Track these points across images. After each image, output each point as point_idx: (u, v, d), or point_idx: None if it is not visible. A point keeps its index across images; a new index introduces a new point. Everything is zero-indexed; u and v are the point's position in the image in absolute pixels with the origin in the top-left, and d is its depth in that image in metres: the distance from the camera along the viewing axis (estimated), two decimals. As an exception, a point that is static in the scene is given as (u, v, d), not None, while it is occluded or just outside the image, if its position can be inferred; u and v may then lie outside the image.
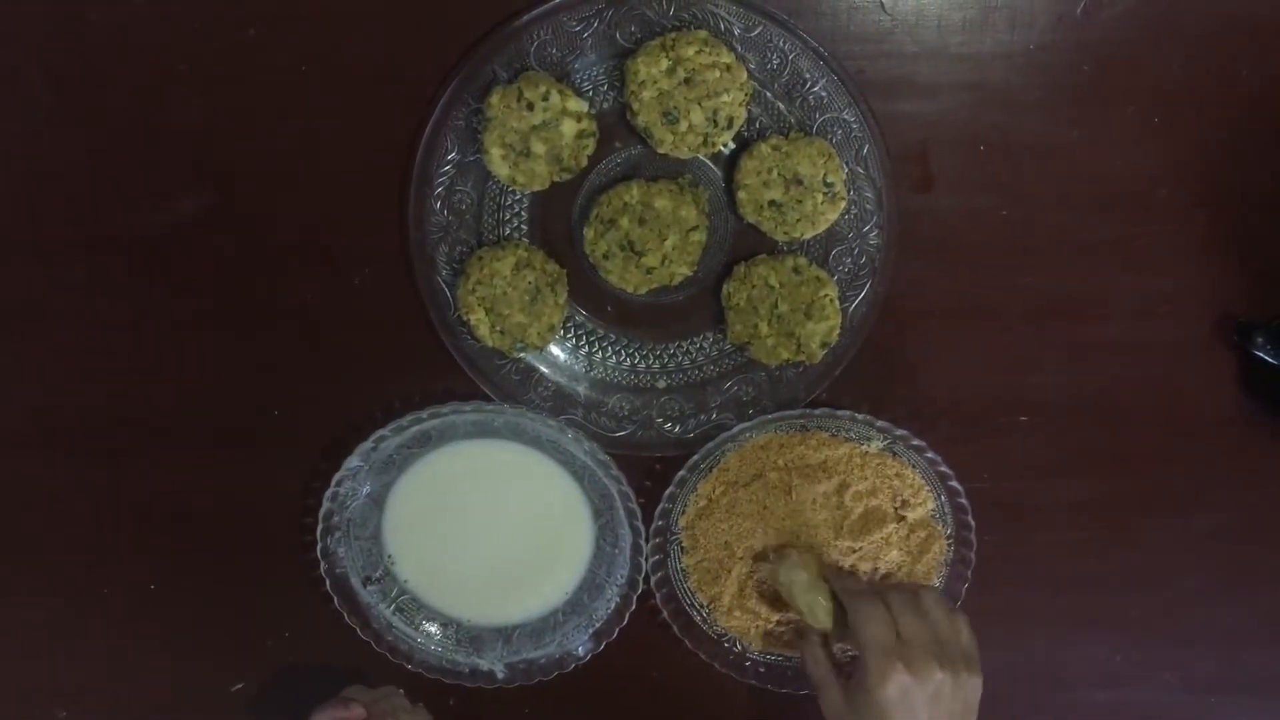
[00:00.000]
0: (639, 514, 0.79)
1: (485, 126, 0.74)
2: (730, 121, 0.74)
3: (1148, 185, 0.79)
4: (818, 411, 0.79)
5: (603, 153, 0.77)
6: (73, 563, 0.84)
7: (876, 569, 0.82)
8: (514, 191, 0.77)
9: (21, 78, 0.77)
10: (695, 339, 0.81)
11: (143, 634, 0.85)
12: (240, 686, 0.86)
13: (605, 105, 0.76)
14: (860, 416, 0.79)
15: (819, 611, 0.76)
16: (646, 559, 0.80)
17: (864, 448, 0.81)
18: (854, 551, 0.81)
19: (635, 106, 0.74)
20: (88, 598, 0.85)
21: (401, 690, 0.80)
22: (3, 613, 0.85)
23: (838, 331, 0.78)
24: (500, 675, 0.84)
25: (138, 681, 0.86)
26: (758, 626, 0.83)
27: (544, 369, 0.81)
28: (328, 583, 0.81)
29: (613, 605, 0.82)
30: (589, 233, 0.77)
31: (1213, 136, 0.78)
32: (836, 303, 0.77)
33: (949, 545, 0.82)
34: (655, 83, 0.73)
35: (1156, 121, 0.78)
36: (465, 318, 0.77)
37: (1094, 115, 0.78)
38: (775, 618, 0.83)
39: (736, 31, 0.74)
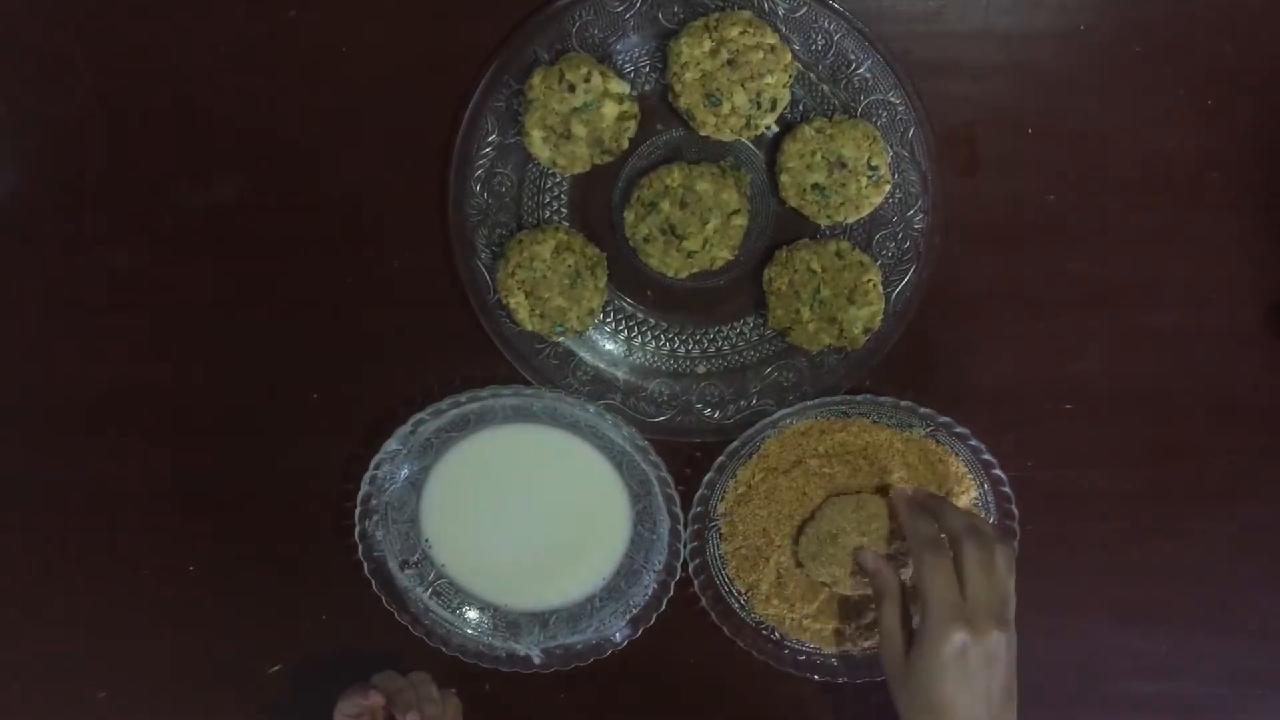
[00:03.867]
0: (677, 500, 0.79)
1: (526, 108, 0.73)
2: (774, 104, 0.73)
3: (1199, 169, 0.77)
4: (859, 398, 0.78)
5: (644, 135, 0.76)
6: (112, 544, 0.85)
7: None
8: (554, 174, 0.77)
9: (63, 60, 0.77)
10: (736, 324, 0.80)
11: (181, 616, 0.86)
12: (278, 669, 0.86)
13: (647, 87, 0.75)
14: (903, 403, 0.78)
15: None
16: (685, 545, 0.80)
17: (906, 435, 0.80)
18: (893, 542, 0.80)
19: (677, 88, 0.73)
20: (126, 580, 0.85)
21: (429, 675, 0.80)
22: (43, 595, 0.86)
23: (880, 317, 0.77)
24: (537, 660, 0.84)
25: (176, 663, 0.87)
26: (794, 617, 0.83)
27: (583, 353, 0.80)
28: (366, 566, 0.81)
29: (650, 591, 0.82)
30: (629, 216, 0.76)
31: (1266, 120, 0.77)
32: (880, 288, 0.76)
33: (992, 534, 0.81)
34: (698, 64, 0.72)
35: (1209, 104, 0.76)
36: (505, 301, 0.77)
37: (1145, 97, 0.76)
38: (811, 608, 0.82)
39: (781, 12, 0.73)
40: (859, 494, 0.80)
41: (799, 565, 0.81)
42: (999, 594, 0.71)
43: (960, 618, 0.69)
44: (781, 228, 0.78)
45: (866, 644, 0.83)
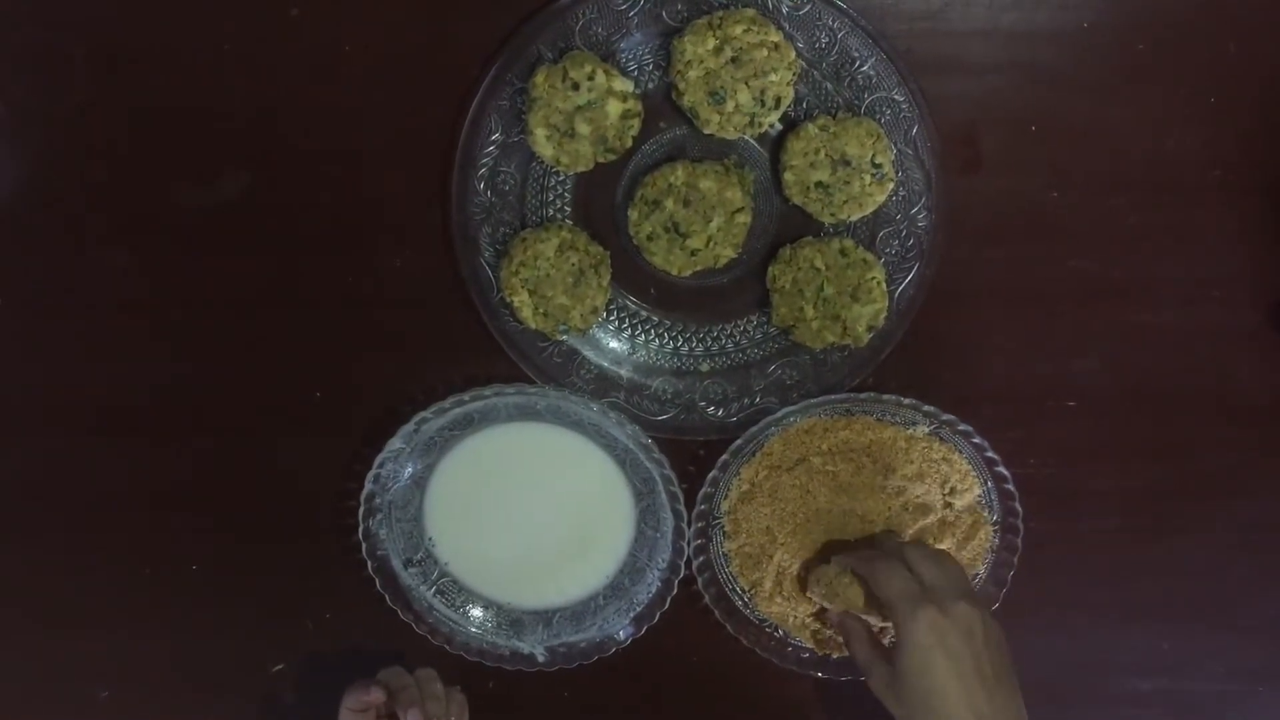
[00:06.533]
0: (681, 498, 0.79)
1: (530, 107, 0.73)
2: (777, 101, 0.73)
3: (1201, 167, 0.78)
4: (863, 396, 0.78)
5: (648, 133, 0.76)
6: (114, 543, 0.84)
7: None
8: (558, 172, 0.77)
9: (63, 57, 0.77)
10: (739, 322, 0.80)
11: (184, 615, 0.86)
12: (281, 668, 0.86)
13: (651, 85, 0.75)
14: (906, 401, 0.78)
15: (855, 598, 0.77)
16: (688, 543, 0.80)
17: (910, 432, 0.80)
18: (899, 538, 0.80)
19: (681, 86, 0.73)
20: (130, 579, 0.85)
21: (434, 672, 0.80)
22: (45, 593, 0.86)
23: (884, 315, 0.77)
24: (540, 658, 0.84)
25: (179, 662, 0.86)
26: (797, 615, 0.83)
27: (587, 351, 0.80)
28: (369, 565, 0.81)
29: (654, 589, 0.82)
30: (633, 214, 0.76)
31: (1269, 118, 0.77)
32: (883, 285, 0.76)
33: (995, 532, 0.81)
34: (702, 62, 0.72)
35: (1212, 102, 0.76)
36: (508, 299, 0.77)
37: (1148, 95, 0.77)
38: (814, 607, 0.82)
39: (784, 9, 0.73)
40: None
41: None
42: (954, 574, 0.72)
43: (923, 599, 0.70)
44: (785, 226, 0.78)
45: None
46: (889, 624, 0.77)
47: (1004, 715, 0.68)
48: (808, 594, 0.81)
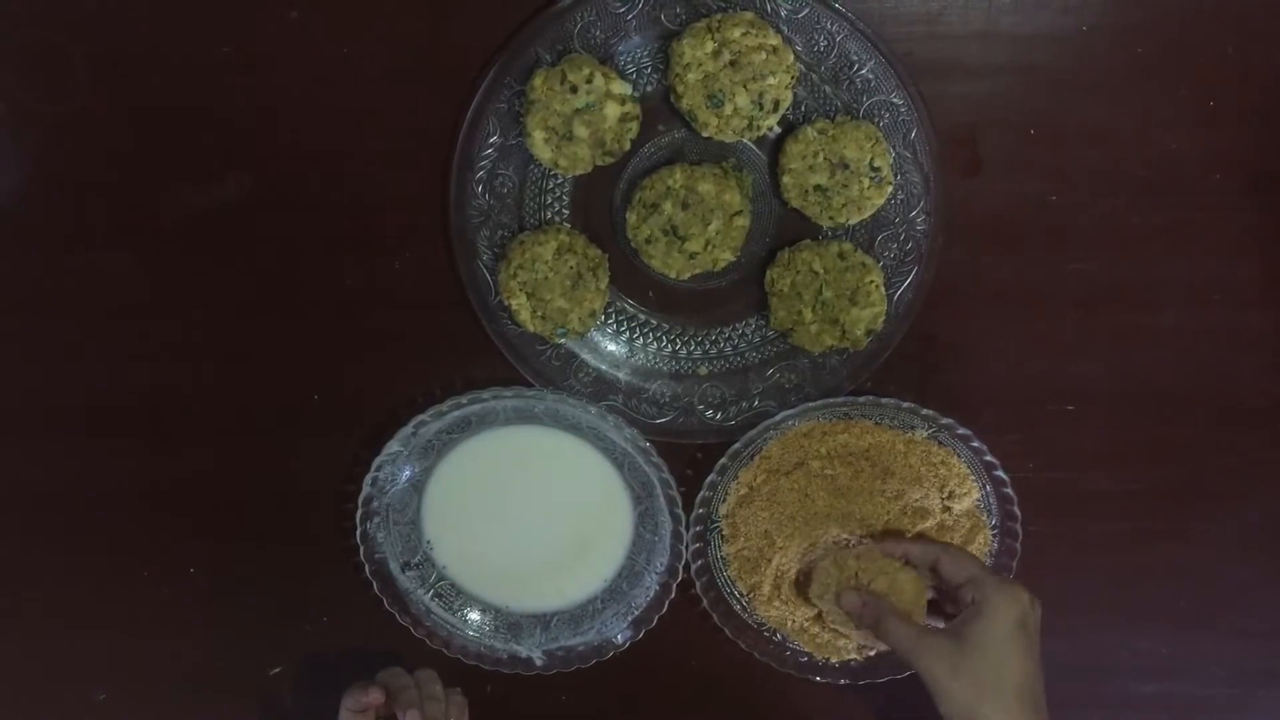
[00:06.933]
0: (679, 501, 0.79)
1: (528, 109, 0.73)
2: (776, 105, 0.73)
3: (1201, 170, 0.77)
4: (862, 399, 0.78)
5: (646, 136, 0.76)
6: (113, 545, 0.85)
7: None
8: (556, 175, 0.77)
9: (64, 59, 0.77)
10: (738, 325, 0.80)
11: (182, 617, 0.86)
12: (279, 670, 0.86)
13: (649, 88, 0.75)
14: (905, 404, 0.78)
15: (909, 583, 0.76)
16: (687, 547, 0.80)
17: (908, 436, 0.80)
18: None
19: (679, 89, 0.73)
20: (128, 580, 0.85)
21: (434, 674, 0.80)
22: (43, 594, 0.86)
23: (883, 318, 0.77)
24: (538, 662, 0.84)
25: (176, 664, 0.87)
26: (795, 619, 0.83)
27: (585, 355, 0.80)
28: (367, 568, 0.81)
29: (652, 593, 0.82)
30: (631, 217, 0.76)
31: (1268, 120, 0.77)
32: (882, 289, 0.76)
33: (994, 536, 0.81)
34: (700, 65, 0.72)
35: (1212, 105, 0.76)
36: (506, 302, 0.77)
37: (1147, 98, 0.76)
38: (813, 611, 0.82)
39: (783, 13, 0.73)
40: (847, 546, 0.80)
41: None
42: None
43: (1017, 582, 0.71)
44: (783, 229, 0.78)
45: (872, 652, 0.82)
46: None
47: (1045, 703, 0.69)
48: (821, 564, 0.78)
